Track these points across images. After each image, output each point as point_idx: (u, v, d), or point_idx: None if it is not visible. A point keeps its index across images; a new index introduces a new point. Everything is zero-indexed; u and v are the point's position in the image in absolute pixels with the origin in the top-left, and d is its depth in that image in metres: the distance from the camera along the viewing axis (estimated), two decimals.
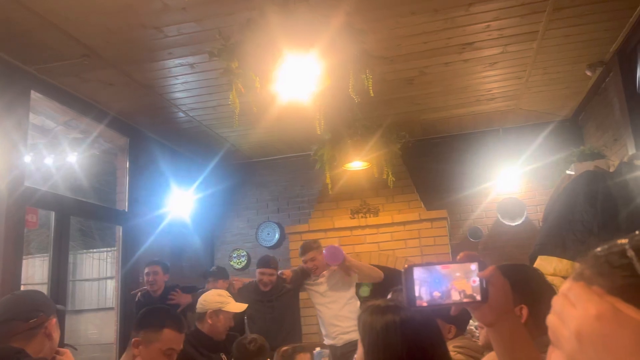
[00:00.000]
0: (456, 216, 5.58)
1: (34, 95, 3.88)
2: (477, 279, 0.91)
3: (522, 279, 1.61)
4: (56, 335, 1.73)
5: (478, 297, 0.90)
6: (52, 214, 4.10)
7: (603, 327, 0.49)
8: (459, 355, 2.25)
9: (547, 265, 3.04)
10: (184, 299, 4.23)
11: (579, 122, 5.44)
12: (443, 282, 0.90)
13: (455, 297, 0.90)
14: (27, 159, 3.84)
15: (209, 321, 2.90)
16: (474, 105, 5.01)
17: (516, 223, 5.40)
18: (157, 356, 1.92)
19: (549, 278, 3.06)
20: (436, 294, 0.90)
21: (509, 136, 5.62)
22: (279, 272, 4.15)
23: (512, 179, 5.43)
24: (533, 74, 4.33)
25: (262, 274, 4.02)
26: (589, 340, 0.50)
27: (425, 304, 0.90)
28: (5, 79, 3.56)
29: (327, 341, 4.01)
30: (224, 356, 2.84)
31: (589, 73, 4.21)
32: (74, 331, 7.65)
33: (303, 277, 4.15)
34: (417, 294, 0.89)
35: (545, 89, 4.70)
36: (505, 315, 0.92)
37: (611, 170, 3.46)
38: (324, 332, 4.08)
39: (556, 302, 0.58)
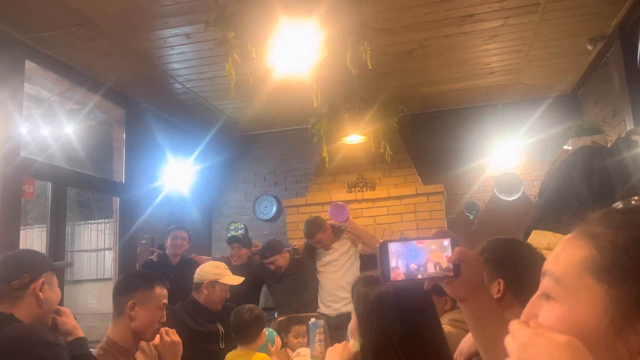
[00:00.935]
0: (453, 191, 5.60)
1: (29, 64, 3.83)
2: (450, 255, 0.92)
3: (502, 253, 1.63)
4: (50, 295, 1.69)
5: (451, 273, 0.91)
6: (49, 185, 4.10)
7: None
8: (450, 329, 2.29)
9: (542, 239, 3.06)
10: (207, 260, 4.36)
11: (579, 96, 5.41)
12: (419, 255, 0.91)
13: (431, 269, 0.91)
14: (23, 129, 3.81)
15: (205, 292, 2.93)
16: (473, 79, 4.97)
17: (512, 198, 5.42)
18: (155, 313, 2.02)
19: (543, 252, 3.09)
20: (412, 266, 0.91)
21: (508, 111, 5.59)
22: (291, 247, 4.25)
23: (510, 154, 5.43)
24: (533, 47, 4.28)
25: (267, 264, 4.12)
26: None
27: (402, 277, 0.90)
28: None
29: (322, 309, 4.09)
30: (219, 326, 2.88)
31: (589, 47, 4.16)
32: (73, 300, 7.74)
33: (314, 251, 4.29)
34: (393, 265, 0.90)
35: (545, 63, 4.66)
36: (476, 290, 0.92)
37: (609, 145, 3.46)
38: (320, 299, 4.17)
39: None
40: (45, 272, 1.69)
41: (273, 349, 2.62)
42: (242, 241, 4.45)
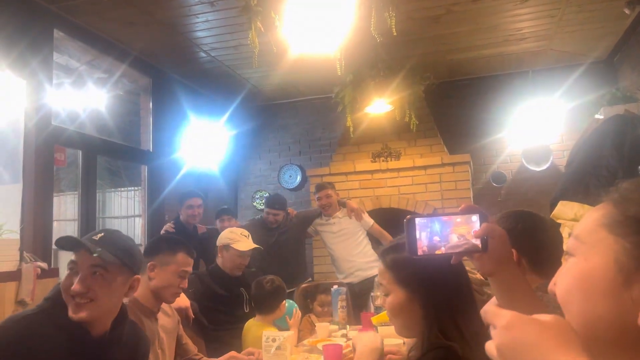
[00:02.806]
0: (480, 161, 5.52)
1: (57, 34, 3.88)
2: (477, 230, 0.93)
3: (514, 224, 1.62)
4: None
5: (479, 247, 0.92)
6: (80, 153, 4.21)
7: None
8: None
9: (568, 210, 3.02)
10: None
11: (615, 63, 5.21)
12: (444, 229, 0.92)
13: (454, 240, 0.92)
14: (54, 97, 3.89)
15: (220, 255, 3.00)
16: (502, 45, 4.82)
17: (541, 168, 5.31)
18: (173, 277, 2.06)
19: (569, 223, 3.05)
20: (436, 238, 0.92)
21: (539, 79, 5.43)
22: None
23: (540, 123, 5.30)
24: (567, 12, 4.11)
25: (268, 214, 4.14)
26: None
27: (425, 249, 0.91)
28: (28, 16, 3.57)
29: (341, 278, 4.13)
30: (243, 290, 2.94)
31: (627, 11, 3.98)
32: None
33: (314, 218, 4.28)
34: (419, 239, 0.91)
35: (579, 28, 4.48)
36: (504, 265, 0.94)
37: None
38: (337, 270, 4.19)
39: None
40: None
41: (292, 321, 2.62)
42: (231, 211, 4.52)
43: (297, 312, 2.67)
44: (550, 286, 0.69)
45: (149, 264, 2.04)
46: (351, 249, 4.07)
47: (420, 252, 0.92)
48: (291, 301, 2.78)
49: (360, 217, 4.11)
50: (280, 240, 4.14)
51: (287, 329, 2.52)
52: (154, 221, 4.86)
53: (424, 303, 1.25)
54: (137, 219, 8.40)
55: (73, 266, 1.47)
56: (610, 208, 0.62)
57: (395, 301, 1.30)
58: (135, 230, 8.58)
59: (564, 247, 0.67)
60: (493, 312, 0.59)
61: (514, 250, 1.59)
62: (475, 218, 0.94)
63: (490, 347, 0.58)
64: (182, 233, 4.12)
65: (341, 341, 2.56)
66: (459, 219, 0.92)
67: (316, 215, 4.29)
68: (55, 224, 3.96)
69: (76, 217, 4.55)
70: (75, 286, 1.42)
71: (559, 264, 1.66)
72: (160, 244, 2.13)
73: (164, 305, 2.19)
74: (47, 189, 3.67)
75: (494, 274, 0.95)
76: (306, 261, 4.45)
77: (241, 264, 2.97)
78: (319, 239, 4.40)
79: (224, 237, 3.00)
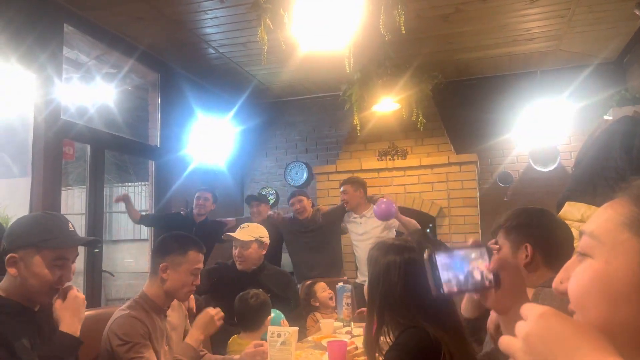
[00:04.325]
0: (487, 161, 5.51)
1: (66, 28, 3.91)
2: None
3: (526, 218, 1.64)
4: (25, 274, 1.48)
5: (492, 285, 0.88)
6: (88, 148, 4.23)
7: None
8: None
9: (575, 211, 3.00)
10: (231, 221, 4.55)
11: (624, 64, 5.17)
12: (464, 265, 0.89)
13: (477, 276, 0.89)
14: (63, 92, 3.92)
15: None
16: (511, 45, 4.81)
17: (548, 169, 5.29)
18: (186, 277, 2.04)
19: (576, 224, 3.03)
20: (461, 276, 0.89)
21: (547, 79, 5.41)
22: (315, 207, 4.38)
23: (548, 124, 5.28)
24: (577, 12, 4.09)
25: (292, 203, 4.23)
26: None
27: (455, 289, 0.88)
28: (37, 10, 3.59)
29: (360, 278, 4.15)
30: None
31: (637, 12, 3.95)
32: (111, 259, 8.06)
33: (342, 213, 4.30)
34: (445, 278, 0.88)
35: (589, 28, 4.46)
36: (519, 299, 0.87)
37: None
38: (359, 270, 4.23)
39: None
40: (20, 249, 1.48)
41: None
42: (260, 198, 4.55)
43: (283, 323, 2.54)
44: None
45: (161, 266, 2.02)
46: None
47: (446, 290, 0.88)
48: (278, 311, 2.62)
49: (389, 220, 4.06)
50: (314, 235, 4.20)
51: None
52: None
53: (371, 294, 1.43)
54: (143, 214, 8.46)
55: (64, 262, 1.53)
56: (630, 206, 0.58)
57: (366, 286, 1.53)
58: (142, 225, 8.63)
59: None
60: (527, 305, 0.57)
61: (528, 245, 1.60)
62: (484, 252, 0.91)
63: (507, 340, 0.56)
64: (186, 218, 4.40)
65: (345, 338, 2.57)
66: (473, 253, 0.90)
67: (340, 209, 4.30)
68: None
69: (83, 212, 4.58)
70: (70, 277, 1.56)
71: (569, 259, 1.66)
72: (171, 243, 2.10)
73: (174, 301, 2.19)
74: (55, 182, 3.70)
75: (509, 311, 0.88)
76: (341, 257, 4.44)
77: (235, 255, 2.95)
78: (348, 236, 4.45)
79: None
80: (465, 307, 1.98)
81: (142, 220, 4.60)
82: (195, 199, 4.44)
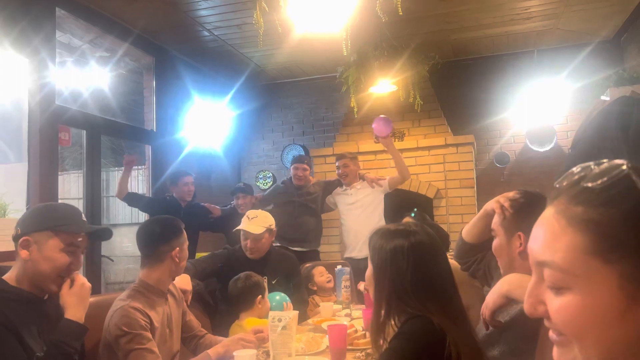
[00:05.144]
0: (483, 141, 5.50)
1: (59, 12, 3.85)
2: None
3: (521, 206, 1.67)
4: (37, 257, 1.51)
5: None
6: (84, 133, 4.21)
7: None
8: (451, 260, 2.37)
9: None
10: (216, 210, 4.51)
11: (621, 43, 5.15)
12: None
13: None
14: (57, 76, 3.88)
15: None
16: (509, 24, 4.77)
17: (545, 149, 5.30)
18: (185, 254, 2.13)
19: None
20: None
21: (544, 58, 5.39)
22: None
23: (544, 104, 5.27)
24: None
25: (296, 168, 4.30)
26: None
27: None
28: None
29: (348, 253, 4.19)
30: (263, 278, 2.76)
31: None
32: (109, 243, 8.07)
33: (333, 188, 4.38)
34: None
35: (586, 7, 4.42)
36: None
37: None
38: (347, 243, 4.25)
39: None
40: (36, 232, 1.51)
41: None
42: (245, 189, 4.52)
43: (287, 305, 2.58)
44: (530, 311, 0.64)
45: (173, 252, 2.04)
46: (363, 221, 4.13)
47: None
48: (283, 294, 2.66)
49: (379, 184, 4.21)
50: (302, 201, 4.28)
51: None
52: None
53: (378, 282, 1.41)
54: None
55: (75, 249, 1.57)
56: (590, 235, 0.57)
57: (368, 274, 1.48)
58: (127, 204, 8.61)
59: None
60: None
61: (521, 234, 1.62)
62: None
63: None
64: (173, 203, 4.31)
65: (345, 321, 2.60)
66: None
67: (336, 184, 4.39)
68: (60, 202, 3.98)
69: (80, 196, 4.58)
70: (79, 265, 1.60)
71: None
72: (172, 228, 2.11)
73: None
74: (52, 168, 3.68)
75: None
76: (321, 229, 4.50)
77: (246, 246, 2.93)
78: (328, 218, 4.48)
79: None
80: (468, 231, 2.02)
81: (128, 196, 4.37)
82: (182, 185, 4.29)
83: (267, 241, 3.00)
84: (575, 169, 0.61)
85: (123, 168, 4.31)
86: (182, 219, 3.97)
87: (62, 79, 4.43)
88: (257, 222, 2.94)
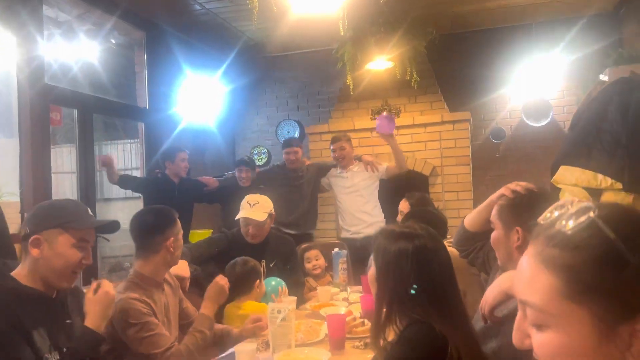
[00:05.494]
0: (480, 116, 5.47)
1: None
2: None
3: (519, 201, 1.67)
4: (49, 255, 1.51)
5: None
6: (75, 112, 4.14)
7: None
8: (449, 247, 2.38)
9: (569, 175, 3.00)
10: (213, 182, 4.48)
11: (620, 15, 5.07)
12: None
13: None
14: (46, 51, 3.77)
15: None
16: None
17: (540, 124, 5.27)
18: (180, 243, 2.14)
19: (569, 188, 3.05)
20: None
21: (541, 31, 5.30)
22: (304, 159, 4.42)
23: (541, 78, 5.22)
24: None
25: (288, 152, 4.26)
26: None
27: None
28: None
29: (345, 234, 4.22)
30: (262, 262, 2.80)
31: None
32: (104, 215, 8.06)
33: (327, 170, 4.35)
34: None
35: None
36: None
37: None
38: (343, 224, 4.27)
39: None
40: (46, 230, 1.52)
41: (278, 300, 2.53)
42: (249, 163, 4.49)
43: (282, 290, 2.61)
44: (518, 344, 0.69)
45: (168, 242, 2.04)
46: (360, 205, 4.15)
47: None
48: (278, 279, 2.69)
49: (375, 168, 4.19)
50: (295, 185, 4.27)
51: None
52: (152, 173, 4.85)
53: (381, 283, 1.40)
54: (135, 172, 8.37)
55: (85, 244, 1.59)
56: (562, 278, 0.61)
57: (371, 274, 1.48)
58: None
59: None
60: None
61: (519, 228, 1.62)
62: None
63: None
64: (165, 181, 4.24)
65: (343, 305, 2.63)
66: None
67: (331, 165, 4.36)
68: (53, 177, 3.94)
69: (74, 170, 4.55)
70: (90, 260, 1.61)
71: None
72: (166, 218, 2.10)
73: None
74: (44, 147, 3.63)
75: None
76: (316, 211, 4.51)
77: (248, 232, 2.92)
78: (324, 196, 4.47)
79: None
80: (471, 220, 2.03)
81: (121, 180, 4.32)
82: (180, 161, 4.23)
83: (269, 226, 3.02)
84: (554, 208, 0.66)
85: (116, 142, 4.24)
86: (176, 196, 3.97)
87: (51, 54, 4.32)
88: (259, 209, 2.93)
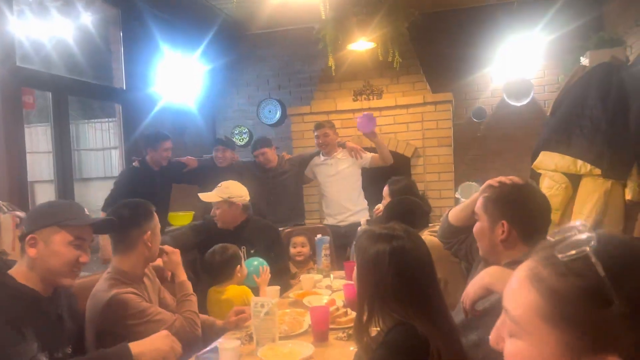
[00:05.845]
0: (462, 96, 5.46)
1: None
2: None
3: (505, 195, 1.67)
4: (44, 254, 1.53)
5: None
6: (50, 95, 4.01)
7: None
8: (431, 237, 2.41)
9: (549, 161, 3.05)
10: (192, 162, 4.40)
11: None
12: None
13: None
14: (15, 28, 3.61)
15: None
16: None
17: (522, 103, 5.29)
18: (157, 238, 2.11)
19: (549, 174, 3.11)
20: None
21: (522, 10, 5.26)
22: (280, 154, 4.28)
23: (522, 58, 5.22)
24: None
25: (256, 156, 4.17)
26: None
27: None
28: None
29: (329, 220, 4.21)
30: (241, 248, 2.83)
31: None
32: (83, 196, 7.96)
33: (308, 160, 4.29)
34: None
35: None
36: None
37: (630, 60, 3.30)
38: (328, 211, 4.25)
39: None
40: (41, 229, 1.54)
41: (260, 279, 2.59)
42: (226, 143, 4.42)
43: (265, 269, 2.63)
44: (493, 344, 0.73)
45: (144, 236, 2.01)
46: (344, 193, 4.12)
47: None
48: (260, 259, 2.72)
49: (360, 155, 4.14)
50: (277, 182, 4.18)
51: (256, 288, 2.55)
52: (131, 154, 4.77)
53: (361, 282, 1.41)
54: (113, 151, 8.25)
55: (81, 242, 1.60)
56: (541, 298, 0.64)
57: (354, 273, 1.48)
58: (112, 161, 8.45)
59: (553, 219, 0.72)
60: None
61: (504, 222, 1.63)
62: None
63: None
64: (145, 169, 4.13)
65: (326, 293, 2.64)
66: None
67: (313, 155, 4.30)
68: (28, 157, 3.84)
69: (50, 150, 4.44)
70: (87, 258, 1.63)
71: (546, 233, 1.70)
72: (142, 212, 2.06)
73: None
74: (18, 135, 3.52)
75: None
76: (302, 204, 4.48)
77: (212, 213, 2.97)
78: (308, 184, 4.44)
79: None
80: (456, 215, 2.05)
81: (106, 205, 3.96)
82: (163, 150, 4.11)
83: (227, 213, 2.97)
84: (564, 230, 0.67)
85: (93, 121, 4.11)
86: (157, 183, 3.90)
87: (22, 31, 4.15)
88: (216, 191, 2.96)
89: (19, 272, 1.55)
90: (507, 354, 0.68)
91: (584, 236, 0.63)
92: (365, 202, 4.17)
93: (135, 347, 1.58)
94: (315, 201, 4.96)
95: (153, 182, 4.03)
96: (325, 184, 4.22)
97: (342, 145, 4.22)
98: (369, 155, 4.16)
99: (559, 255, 0.63)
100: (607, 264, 0.60)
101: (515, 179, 1.75)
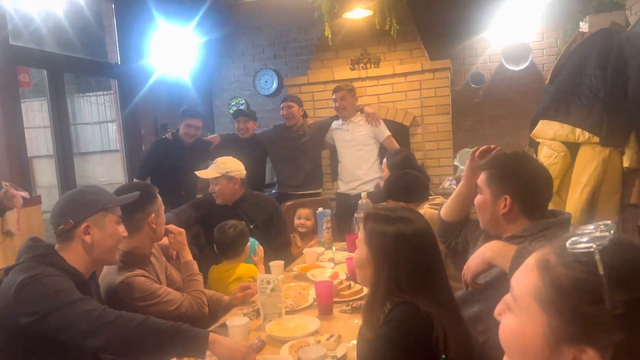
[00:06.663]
0: (459, 61, 5.41)
1: None
2: None
3: (507, 169, 1.67)
4: (100, 238, 1.64)
5: None
6: (45, 72, 3.98)
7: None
8: (431, 210, 2.44)
9: (548, 129, 3.06)
10: (215, 139, 4.41)
11: None
12: None
13: None
14: (6, 3, 3.55)
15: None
16: None
17: (520, 68, 5.25)
18: (162, 220, 2.17)
19: (548, 142, 3.12)
20: None
21: None
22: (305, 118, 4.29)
23: (520, 21, 5.15)
24: None
25: (282, 108, 4.16)
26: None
27: None
28: None
29: (341, 187, 4.20)
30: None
31: None
32: (83, 170, 7.96)
33: (329, 125, 4.25)
34: None
35: None
36: None
37: (630, 25, 3.27)
38: (341, 177, 4.23)
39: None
40: (91, 216, 1.63)
41: (256, 258, 2.64)
42: (248, 114, 4.40)
43: (259, 248, 2.68)
44: (496, 314, 0.77)
45: (149, 219, 2.05)
46: (357, 161, 4.07)
47: None
48: (252, 239, 2.71)
49: (377, 123, 4.05)
50: (296, 145, 4.15)
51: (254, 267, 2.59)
52: (128, 126, 4.77)
53: (379, 266, 1.40)
54: (110, 125, 8.21)
55: (120, 219, 1.75)
56: (541, 283, 0.68)
57: (358, 256, 1.48)
58: (110, 134, 8.42)
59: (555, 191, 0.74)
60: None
61: (507, 196, 1.65)
62: None
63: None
64: (175, 144, 4.12)
65: (328, 266, 2.70)
66: None
67: (332, 119, 4.24)
68: (25, 132, 3.84)
69: (46, 125, 4.43)
70: (126, 232, 1.78)
71: (547, 206, 1.72)
72: (146, 195, 2.06)
73: None
74: (15, 113, 3.51)
75: None
76: (321, 171, 4.45)
77: (211, 190, 3.01)
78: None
79: None
80: (446, 211, 2.08)
81: (139, 175, 4.16)
82: (185, 127, 4.08)
83: (226, 187, 3.00)
84: (581, 227, 0.69)
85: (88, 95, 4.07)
86: (185, 158, 3.92)
87: (11, 4, 4.07)
88: (213, 168, 2.99)
89: (67, 259, 1.62)
90: (502, 325, 0.74)
91: (599, 234, 0.65)
92: (380, 173, 4.03)
93: (214, 338, 1.55)
94: (327, 172, 4.93)
95: (181, 157, 4.03)
96: (341, 149, 4.16)
97: (360, 110, 4.11)
98: (386, 132, 4.06)
99: (569, 247, 0.66)
100: (612, 265, 0.62)
101: (498, 148, 1.77)
